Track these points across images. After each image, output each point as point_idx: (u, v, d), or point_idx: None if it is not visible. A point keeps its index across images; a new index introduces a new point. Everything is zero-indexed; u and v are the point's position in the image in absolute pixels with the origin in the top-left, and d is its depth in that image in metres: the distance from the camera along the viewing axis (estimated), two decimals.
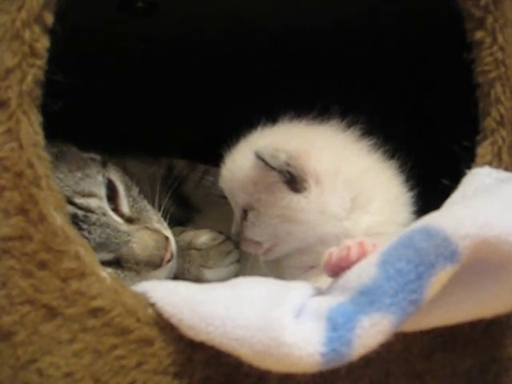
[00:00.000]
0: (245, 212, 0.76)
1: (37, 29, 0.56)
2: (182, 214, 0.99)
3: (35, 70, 0.56)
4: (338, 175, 0.72)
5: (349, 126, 0.79)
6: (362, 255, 0.54)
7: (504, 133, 0.61)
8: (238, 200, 0.77)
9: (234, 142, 0.79)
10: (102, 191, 0.75)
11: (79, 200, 0.71)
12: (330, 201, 0.71)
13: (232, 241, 0.82)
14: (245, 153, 0.76)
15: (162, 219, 0.82)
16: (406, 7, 0.89)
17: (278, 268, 0.78)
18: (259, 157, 0.70)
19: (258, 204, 0.74)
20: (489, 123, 0.62)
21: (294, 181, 0.71)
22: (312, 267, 0.74)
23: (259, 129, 0.79)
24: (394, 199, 0.75)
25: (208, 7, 1.02)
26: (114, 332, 0.54)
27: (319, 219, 0.71)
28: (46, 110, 0.58)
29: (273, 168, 0.70)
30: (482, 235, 0.47)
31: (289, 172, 0.70)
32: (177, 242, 0.81)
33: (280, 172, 0.70)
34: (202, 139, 1.29)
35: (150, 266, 0.74)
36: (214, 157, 0.81)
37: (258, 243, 0.76)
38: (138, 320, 0.54)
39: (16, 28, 0.55)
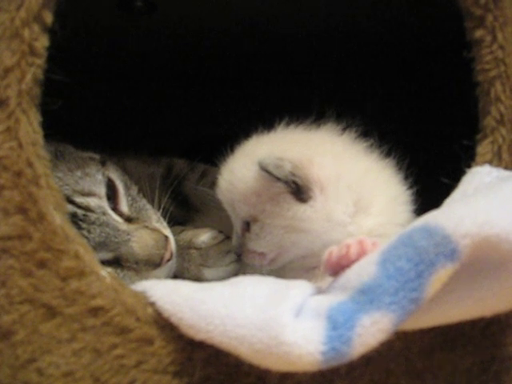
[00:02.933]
0: (247, 224, 0.74)
1: (36, 28, 0.55)
2: (181, 214, 0.99)
3: (34, 69, 0.56)
4: (340, 180, 0.71)
5: (345, 128, 0.78)
6: (362, 254, 0.54)
7: (504, 131, 0.61)
8: (239, 212, 0.75)
9: (229, 150, 0.77)
10: (102, 190, 0.75)
11: (79, 199, 0.71)
12: (334, 208, 0.70)
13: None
14: (244, 163, 0.74)
15: (161, 218, 0.82)
16: (406, 7, 0.90)
17: (280, 269, 0.78)
18: (263, 168, 0.68)
19: (262, 215, 0.72)
20: (489, 122, 0.62)
21: (299, 190, 0.69)
22: (314, 268, 0.74)
23: (255, 137, 0.78)
24: (394, 199, 0.75)
25: (207, 7, 1.02)
26: (114, 331, 0.54)
27: (325, 227, 0.70)
28: (45, 109, 0.58)
29: (278, 179, 0.68)
30: (483, 234, 0.47)
31: (294, 182, 0.69)
32: (176, 242, 0.80)
33: (285, 182, 0.68)
34: (201, 139, 1.29)
35: (150, 265, 0.74)
36: (214, 157, 0.80)
37: (262, 254, 0.75)
38: (138, 319, 0.54)
39: (15, 27, 0.55)
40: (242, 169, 0.74)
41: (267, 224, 0.72)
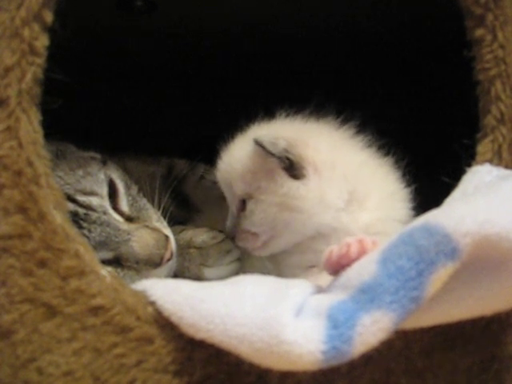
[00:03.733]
0: (243, 202, 0.76)
1: (36, 27, 0.56)
2: (181, 214, 0.99)
3: (34, 68, 0.56)
4: (335, 168, 0.72)
5: (344, 122, 0.79)
6: (362, 252, 0.54)
7: (504, 130, 0.61)
8: (235, 190, 0.76)
9: (231, 139, 0.80)
10: (104, 190, 0.75)
11: (81, 198, 0.71)
12: (328, 190, 0.72)
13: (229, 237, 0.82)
14: (242, 145, 0.76)
15: (161, 218, 0.82)
16: (406, 5, 0.90)
17: (278, 268, 0.78)
18: (258, 143, 0.70)
19: (257, 192, 0.73)
20: (489, 121, 0.62)
21: (292, 167, 0.71)
22: (312, 267, 0.74)
23: (256, 123, 0.79)
24: (391, 195, 0.76)
25: (207, 7, 1.02)
26: (114, 330, 0.54)
27: (318, 208, 0.71)
28: (45, 109, 0.58)
29: (272, 154, 0.70)
30: (483, 232, 0.47)
31: (288, 158, 0.70)
32: (177, 241, 0.80)
33: (279, 158, 0.70)
34: (201, 139, 1.29)
35: (150, 264, 0.74)
36: (214, 157, 0.81)
37: (255, 235, 0.75)
38: (138, 318, 0.54)
39: (15, 26, 0.55)
40: (239, 150, 0.76)
41: (261, 200, 0.73)
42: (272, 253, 0.77)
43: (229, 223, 0.80)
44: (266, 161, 0.72)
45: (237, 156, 0.76)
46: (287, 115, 0.79)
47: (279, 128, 0.77)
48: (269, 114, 0.80)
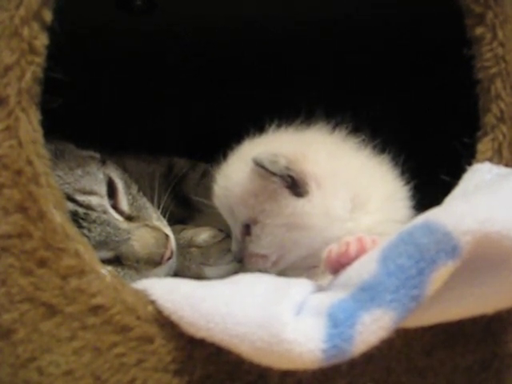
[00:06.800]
0: (247, 227, 0.74)
1: (35, 26, 0.55)
2: (182, 213, 0.99)
3: (34, 68, 0.56)
4: (336, 177, 0.71)
5: (336, 126, 0.77)
6: (361, 251, 0.54)
7: (504, 129, 0.61)
8: (238, 216, 0.74)
9: (222, 158, 0.77)
10: (103, 189, 0.75)
11: (80, 197, 0.71)
12: (332, 203, 0.70)
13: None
14: (238, 166, 0.74)
15: (161, 217, 0.82)
16: (406, 5, 0.89)
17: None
18: (258, 164, 0.68)
19: (261, 216, 0.72)
20: (489, 119, 0.62)
21: (295, 185, 0.69)
22: (314, 266, 0.74)
23: (247, 141, 0.77)
24: (391, 195, 0.75)
25: (207, 7, 1.02)
26: (114, 330, 0.54)
27: (325, 222, 0.70)
28: (44, 108, 0.58)
29: (273, 174, 0.68)
30: (483, 231, 0.47)
31: (290, 176, 0.69)
32: (177, 240, 0.80)
33: (281, 177, 0.68)
34: (200, 138, 1.29)
35: (150, 263, 0.74)
36: (213, 155, 0.80)
37: (264, 257, 0.74)
38: (138, 317, 0.54)
39: (15, 25, 0.55)
40: (236, 172, 0.74)
41: (268, 224, 0.71)
42: (283, 268, 0.75)
43: (234, 247, 0.78)
44: (267, 181, 0.69)
45: (235, 179, 0.73)
46: (278, 126, 0.77)
47: (274, 143, 0.74)
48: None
